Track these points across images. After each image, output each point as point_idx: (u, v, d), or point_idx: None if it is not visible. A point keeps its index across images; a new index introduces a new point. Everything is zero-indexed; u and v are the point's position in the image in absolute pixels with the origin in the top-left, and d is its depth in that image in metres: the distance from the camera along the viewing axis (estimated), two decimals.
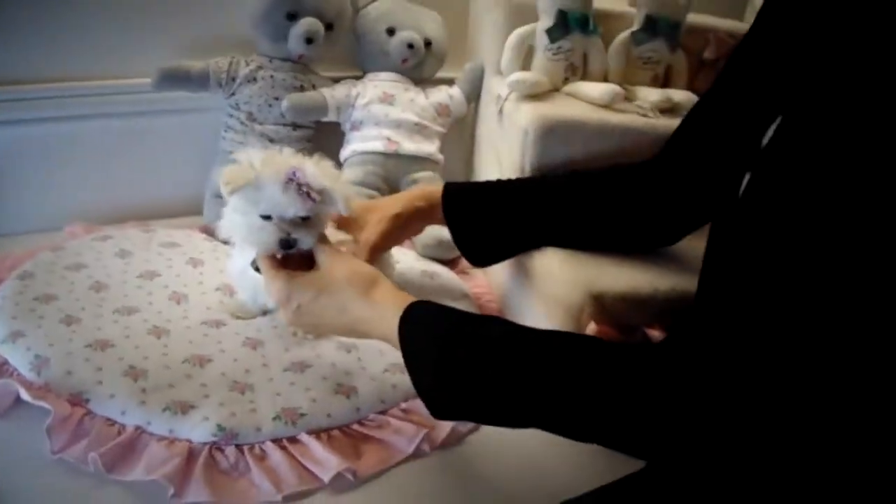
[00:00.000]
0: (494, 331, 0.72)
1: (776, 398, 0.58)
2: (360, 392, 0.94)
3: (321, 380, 0.95)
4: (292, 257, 0.88)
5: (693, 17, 1.38)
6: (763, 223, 0.63)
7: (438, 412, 0.75)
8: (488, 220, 1.05)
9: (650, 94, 1.24)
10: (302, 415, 0.89)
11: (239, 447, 0.85)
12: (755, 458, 0.60)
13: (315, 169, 0.88)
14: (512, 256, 1.11)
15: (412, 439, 0.89)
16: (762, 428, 0.59)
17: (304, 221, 0.87)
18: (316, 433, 0.88)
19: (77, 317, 1.00)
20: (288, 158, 0.88)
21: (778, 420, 0.58)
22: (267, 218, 0.87)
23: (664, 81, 1.36)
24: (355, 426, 0.91)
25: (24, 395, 0.86)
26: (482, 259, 1.09)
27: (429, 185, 1.09)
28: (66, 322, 0.98)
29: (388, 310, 0.78)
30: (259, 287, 0.98)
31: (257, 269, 0.90)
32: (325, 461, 0.84)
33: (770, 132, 0.66)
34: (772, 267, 0.60)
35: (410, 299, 0.79)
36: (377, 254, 1.01)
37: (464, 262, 1.32)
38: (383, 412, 0.94)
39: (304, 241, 0.87)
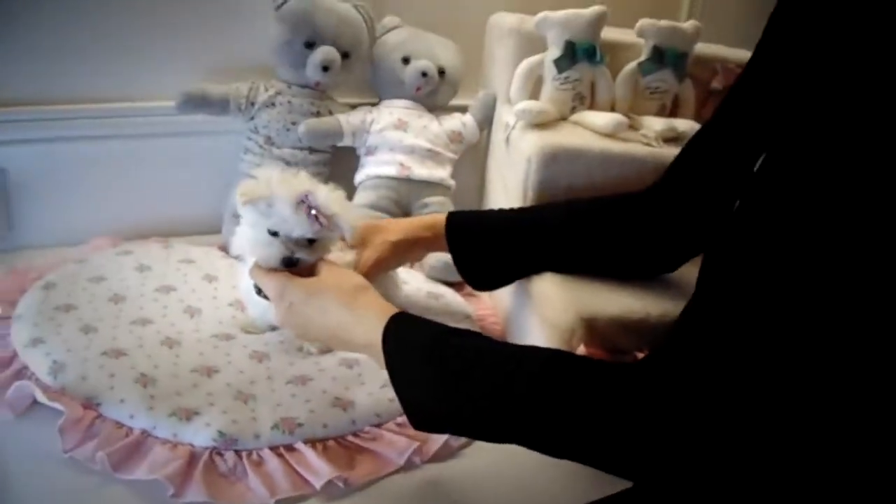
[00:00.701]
0: (475, 344, 0.75)
1: (762, 417, 0.60)
2: (357, 405, 0.98)
3: (321, 393, 0.99)
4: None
5: (702, 48, 1.41)
6: (749, 247, 0.65)
7: (419, 423, 0.78)
8: (489, 249, 1.09)
9: (655, 124, 1.27)
10: (299, 424, 0.93)
11: (238, 452, 0.89)
12: (740, 475, 0.61)
13: (328, 195, 0.93)
14: (512, 282, 1.15)
15: (403, 451, 0.93)
16: (747, 446, 0.60)
17: (309, 243, 0.93)
18: (312, 442, 0.92)
19: (94, 326, 1.06)
20: (304, 181, 0.93)
21: (764, 438, 0.60)
22: (274, 234, 0.92)
23: (672, 111, 1.39)
24: (350, 437, 0.95)
25: (40, 397, 0.91)
26: (484, 284, 1.12)
27: (436, 215, 1.11)
28: (83, 331, 1.04)
29: (368, 317, 0.82)
30: (267, 305, 1.03)
31: (259, 292, 0.95)
32: (319, 469, 0.88)
33: (760, 161, 0.69)
34: (758, 291, 0.62)
35: (393, 310, 0.82)
36: (372, 275, 1.05)
37: None
38: (378, 425, 0.97)
39: (306, 261, 0.92)
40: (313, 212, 0.90)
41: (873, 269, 0.55)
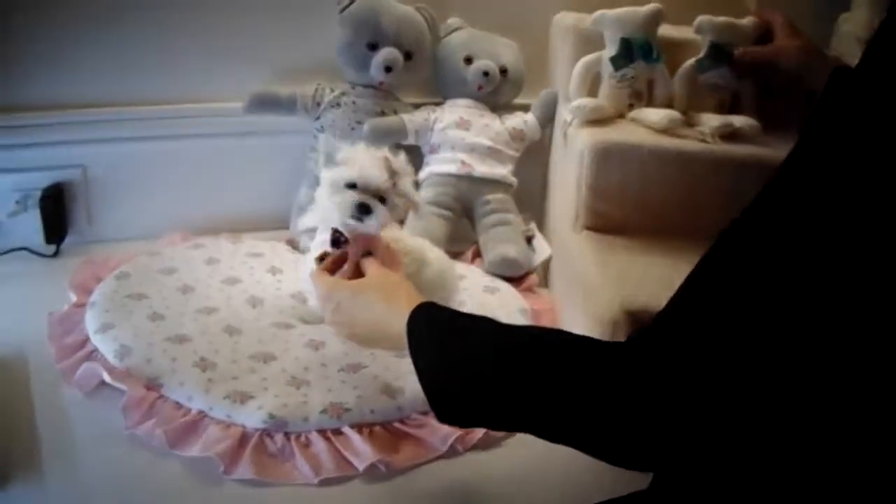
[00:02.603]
0: (478, 326, 0.78)
1: (752, 400, 0.59)
2: (405, 393, 1.01)
3: (371, 380, 1.03)
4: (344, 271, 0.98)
5: None
6: (759, 231, 0.64)
7: (439, 410, 0.77)
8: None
9: (711, 120, 1.26)
10: (347, 409, 0.97)
11: (287, 434, 0.94)
12: (735, 460, 0.61)
13: (405, 159, 1.02)
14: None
15: (446, 439, 0.96)
16: (737, 431, 0.60)
17: (380, 201, 0.98)
18: (358, 427, 0.96)
19: (162, 314, 1.12)
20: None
21: (755, 422, 0.60)
22: (352, 187, 0.97)
23: (731, 108, 1.37)
24: (396, 423, 0.98)
25: (107, 378, 0.98)
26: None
27: None
28: (151, 318, 1.11)
29: (401, 308, 0.84)
30: None
31: None
32: (362, 452, 0.92)
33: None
34: (758, 276, 0.61)
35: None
36: None
37: (530, 280, 1.38)
38: (425, 413, 1.00)
39: (377, 212, 0.97)
40: (390, 166, 0.98)
41: (874, 266, 0.55)
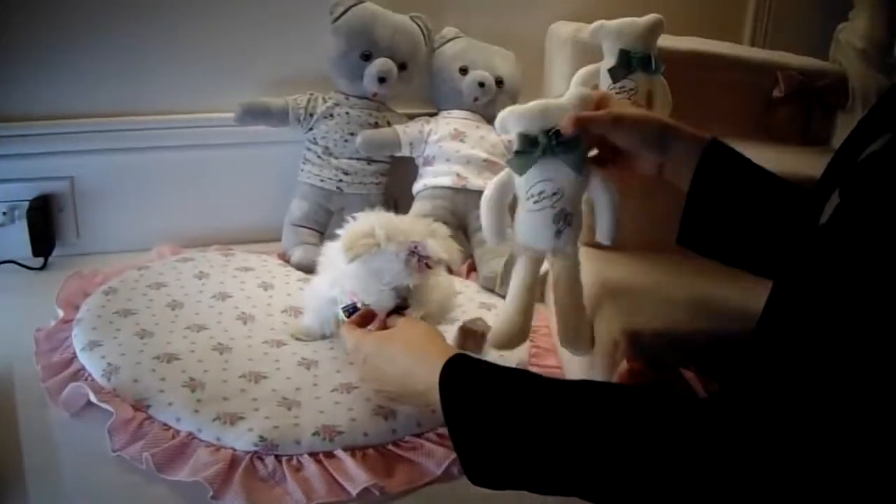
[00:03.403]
0: (529, 384, 0.73)
1: (846, 465, 0.56)
2: (399, 414, 0.99)
3: (364, 401, 1.00)
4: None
5: (762, 54, 1.37)
6: (829, 284, 0.61)
7: (475, 475, 0.73)
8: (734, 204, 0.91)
9: None
10: (340, 432, 0.94)
11: (278, 458, 0.91)
12: None
13: (434, 243, 0.98)
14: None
15: (442, 462, 0.93)
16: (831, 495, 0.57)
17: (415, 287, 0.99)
18: (351, 450, 0.93)
19: (150, 331, 1.10)
20: (409, 231, 0.98)
21: (847, 488, 0.57)
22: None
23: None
24: (390, 446, 0.96)
25: (93, 398, 0.95)
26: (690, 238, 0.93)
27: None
28: (139, 335, 1.08)
29: (429, 360, 0.80)
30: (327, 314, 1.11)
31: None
32: (356, 476, 0.89)
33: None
34: (841, 333, 0.59)
35: (454, 353, 0.81)
36: (619, 125, 0.93)
37: None
38: (419, 435, 0.98)
39: (416, 305, 1.00)
40: (423, 261, 0.96)
41: None
